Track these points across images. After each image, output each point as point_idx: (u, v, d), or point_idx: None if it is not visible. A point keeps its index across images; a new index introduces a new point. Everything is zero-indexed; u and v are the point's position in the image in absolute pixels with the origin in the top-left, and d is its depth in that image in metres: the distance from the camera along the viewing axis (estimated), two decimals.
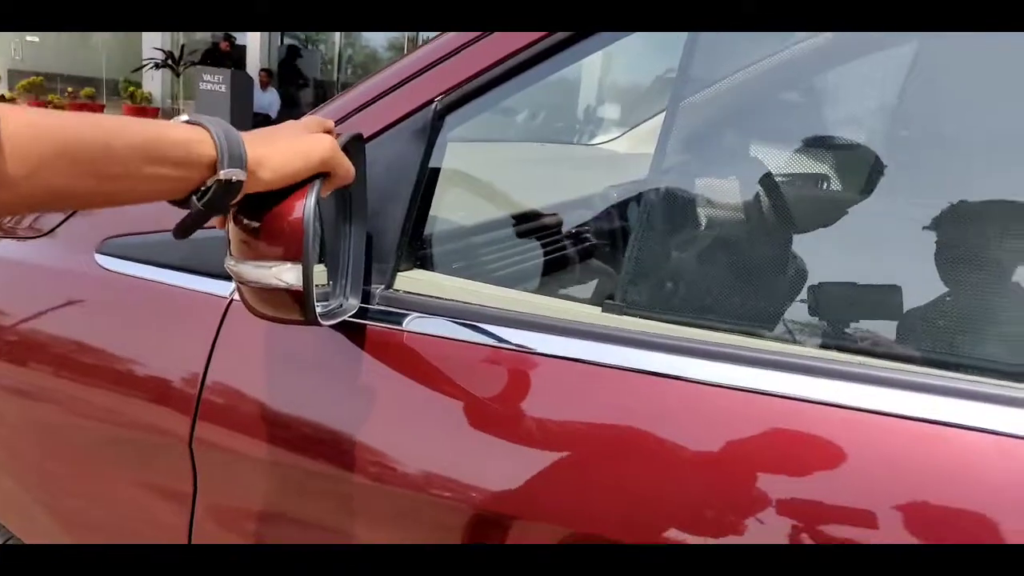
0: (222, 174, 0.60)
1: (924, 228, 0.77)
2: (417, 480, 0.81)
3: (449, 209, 1.02)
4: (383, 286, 0.86)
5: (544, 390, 0.77)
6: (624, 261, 0.80)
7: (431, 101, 0.84)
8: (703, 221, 0.83)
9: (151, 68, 10.92)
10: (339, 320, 0.77)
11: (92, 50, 12.49)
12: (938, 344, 0.73)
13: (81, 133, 0.54)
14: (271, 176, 0.64)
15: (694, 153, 0.84)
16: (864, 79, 1.01)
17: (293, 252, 0.63)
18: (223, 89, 9.39)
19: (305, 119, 0.76)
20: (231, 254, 0.67)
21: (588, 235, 1.31)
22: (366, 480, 0.83)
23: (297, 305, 0.65)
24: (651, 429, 0.72)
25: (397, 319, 0.84)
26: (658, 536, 0.69)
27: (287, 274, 0.63)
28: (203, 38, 11.12)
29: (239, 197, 0.63)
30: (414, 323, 0.84)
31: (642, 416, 0.73)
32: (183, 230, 0.64)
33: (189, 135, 0.60)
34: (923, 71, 0.87)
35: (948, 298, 0.74)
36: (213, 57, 10.48)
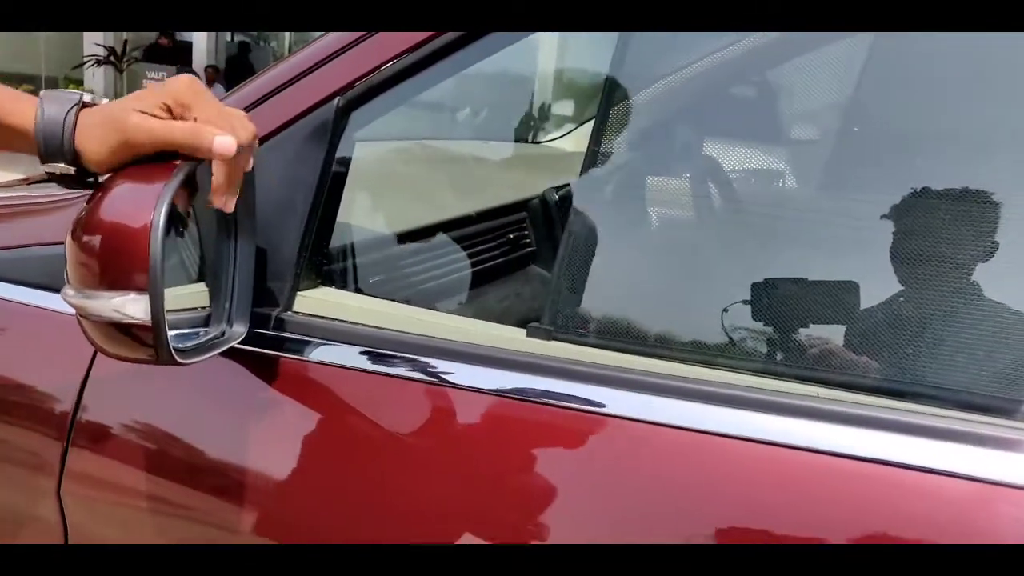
0: (45, 167, 0.58)
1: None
2: (316, 532, 0.70)
3: (361, 217, 0.92)
4: (280, 308, 0.75)
5: (462, 426, 0.68)
6: (552, 280, 0.70)
7: (333, 95, 0.73)
8: (637, 234, 0.73)
9: (92, 65, 10.50)
10: (211, 355, 0.65)
11: (31, 46, 12.00)
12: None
13: None
14: (96, 159, 0.58)
15: (623, 160, 0.75)
16: (811, 75, 0.93)
17: (137, 279, 0.51)
18: None
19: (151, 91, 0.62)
20: (68, 281, 0.55)
21: (528, 241, 1.21)
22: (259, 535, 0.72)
23: (145, 344, 0.53)
24: (579, 469, 0.63)
25: (297, 347, 0.74)
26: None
27: (130, 306, 0.51)
28: (148, 34, 10.76)
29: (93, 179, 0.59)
30: (316, 351, 0.73)
31: (569, 456, 0.63)
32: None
33: (20, 119, 0.59)
34: (874, 68, 0.80)
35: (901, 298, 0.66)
36: (157, 53, 10.14)
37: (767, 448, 0.57)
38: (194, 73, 9.70)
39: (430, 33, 0.69)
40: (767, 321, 0.65)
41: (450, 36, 0.68)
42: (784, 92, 0.92)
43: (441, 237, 1.07)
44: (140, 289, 0.51)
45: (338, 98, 0.73)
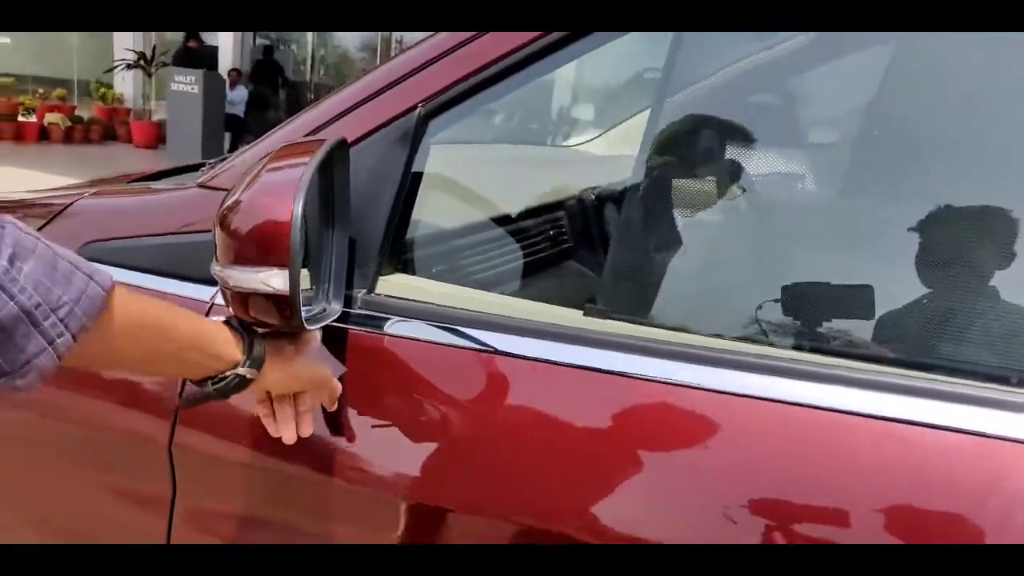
0: (239, 370, 0.71)
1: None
2: (397, 484, 0.81)
3: (430, 213, 1.03)
4: (365, 290, 0.86)
5: (525, 394, 0.78)
6: (606, 265, 0.81)
7: (415, 106, 0.84)
8: (683, 223, 0.84)
9: (123, 69, 10.75)
10: (322, 325, 0.77)
11: (63, 51, 12.28)
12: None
13: (161, 317, 0.67)
14: (272, 383, 0.76)
15: (675, 156, 0.86)
16: (845, 80, 1.03)
17: (280, 258, 0.63)
18: (195, 90, 9.26)
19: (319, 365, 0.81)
20: (217, 259, 0.67)
21: (566, 238, 1.32)
22: (346, 484, 0.83)
23: (283, 310, 0.66)
24: (635, 431, 0.73)
25: (378, 323, 0.85)
26: (647, 534, 0.70)
27: (274, 279, 0.63)
28: (175, 38, 10.99)
29: (242, 391, 0.73)
30: (395, 327, 0.84)
31: (625, 418, 0.74)
32: (187, 402, 0.84)
33: (229, 337, 0.72)
34: (900, 74, 0.89)
35: (924, 301, 0.76)
36: (185, 57, 10.35)
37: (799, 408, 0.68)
38: (220, 76, 9.91)
39: (506, 50, 0.80)
40: (787, 306, 0.75)
41: (526, 51, 0.79)
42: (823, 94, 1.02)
43: (494, 232, 1.19)
44: (282, 265, 0.63)
45: (420, 107, 0.84)
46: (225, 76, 10.13)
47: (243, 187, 0.67)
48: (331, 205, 0.79)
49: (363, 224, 0.86)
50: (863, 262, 0.75)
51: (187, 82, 9.40)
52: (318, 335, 0.79)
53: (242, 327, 0.72)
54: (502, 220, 1.23)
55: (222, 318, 0.74)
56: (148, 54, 10.90)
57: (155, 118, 10.95)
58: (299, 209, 0.64)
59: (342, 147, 0.78)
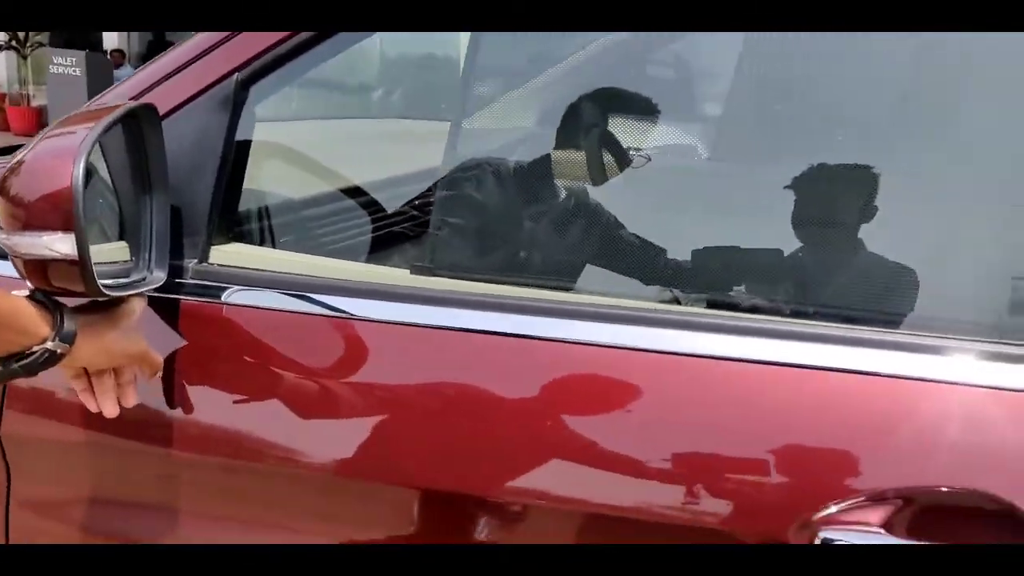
0: (49, 344, 0.69)
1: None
2: (240, 451, 0.82)
3: (272, 183, 1.03)
4: (196, 260, 0.86)
5: (361, 352, 0.80)
6: (430, 225, 0.84)
7: (231, 73, 0.84)
8: (497, 185, 0.87)
9: None
10: (133, 292, 0.76)
11: None
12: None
13: None
14: (85, 357, 0.73)
15: (489, 125, 0.89)
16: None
17: (64, 221, 0.62)
18: (77, 72, 8.76)
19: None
20: (1, 228, 0.66)
21: (409, 205, 1.34)
22: (186, 455, 0.83)
23: (77, 276, 0.65)
24: (466, 383, 0.76)
25: (214, 292, 0.85)
26: (485, 486, 0.73)
27: (59, 243, 0.63)
28: None
29: (51, 366, 0.70)
30: (233, 296, 0.84)
31: (452, 371, 0.77)
32: None
33: (37, 312, 0.69)
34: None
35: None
36: (63, 37, 9.78)
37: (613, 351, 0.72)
38: (105, 57, 9.40)
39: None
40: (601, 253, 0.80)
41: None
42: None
43: (343, 203, 1.20)
44: (67, 229, 0.62)
45: (237, 74, 0.84)
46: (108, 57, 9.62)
47: (25, 151, 0.66)
48: (146, 173, 0.78)
49: (189, 193, 0.85)
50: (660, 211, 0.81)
51: (67, 64, 8.88)
52: (139, 307, 0.78)
53: (49, 301, 0.70)
54: (349, 192, 1.24)
55: (25, 292, 0.71)
56: (21, 34, 10.22)
57: (35, 103, 10.32)
58: (80, 170, 0.63)
59: (150, 113, 0.77)
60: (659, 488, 0.68)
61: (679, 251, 0.80)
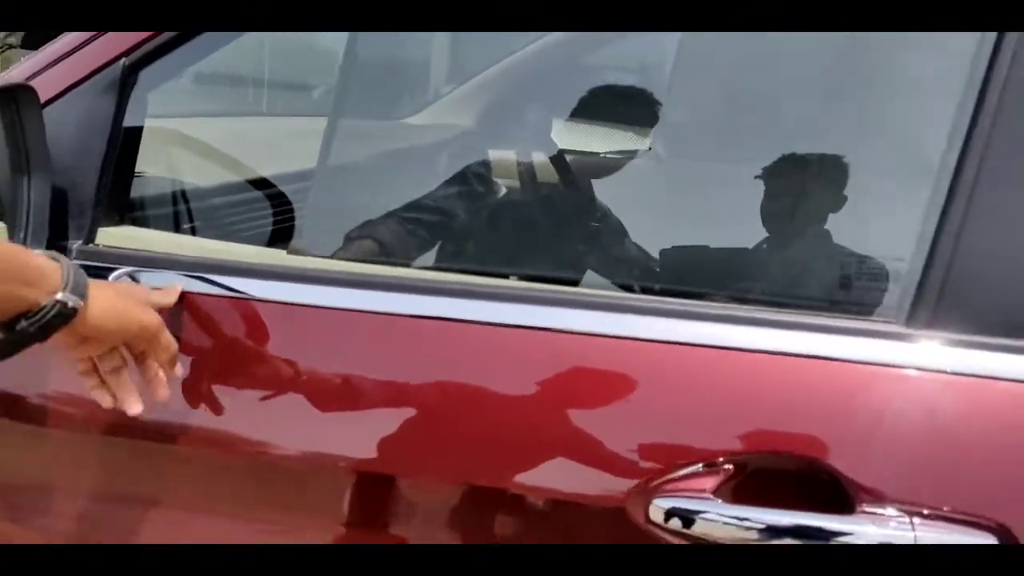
0: (60, 295, 0.62)
1: None
2: (132, 430, 0.83)
3: (170, 169, 1.05)
4: (81, 241, 0.87)
5: (243, 328, 0.82)
6: (307, 210, 0.87)
7: (118, 58, 0.86)
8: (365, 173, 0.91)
9: None
10: None
11: None
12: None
13: None
14: (97, 316, 0.65)
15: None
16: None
17: None
18: None
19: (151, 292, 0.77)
20: None
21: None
22: (67, 433, 0.84)
23: None
24: (335, 360, 0.79)
25: (100, 272, 0.86)
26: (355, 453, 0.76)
27: None
28: None
29: (63, 327, 0.64)
30: (120, 278, 0.86)
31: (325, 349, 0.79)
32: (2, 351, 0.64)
33: (44, 263, 0.63)
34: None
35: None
36: (37, 39, 9.54)
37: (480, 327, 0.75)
38: None
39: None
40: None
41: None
42: None
43: (233, 191, 1.22)
44: None
45: (124, 59, 0.86)
46: None
47: None
48: (24, 154, 0.79)
49: (75, 175, 0.87)
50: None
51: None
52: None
53: (50, 252, 0.65)
54: (249, 182, 1.26)
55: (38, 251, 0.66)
56: None
57: None
58: None
59: (28, 94, 0.79)
60: (506, 458, 0.72)
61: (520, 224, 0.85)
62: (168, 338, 0.72)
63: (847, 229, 0.81)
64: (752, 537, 0.66)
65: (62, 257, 0.65)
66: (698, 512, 0.67)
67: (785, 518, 0.65)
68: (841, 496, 0.66)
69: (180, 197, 1.10)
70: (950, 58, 0.71)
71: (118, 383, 0.70)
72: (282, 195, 1.30)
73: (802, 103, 0.96)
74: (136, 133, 0.90)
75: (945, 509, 0.64)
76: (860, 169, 0.83)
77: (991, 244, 0.67)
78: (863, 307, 0.79)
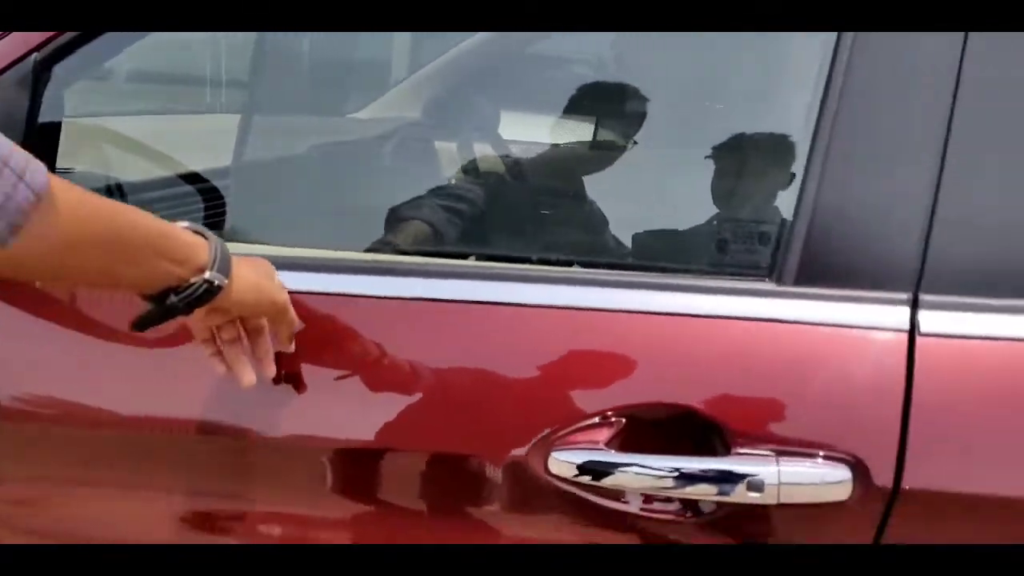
0: (207, 274, 0.65)
1: None
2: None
3: (95, 165, 1.07)
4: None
5: None
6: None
7: (29, 53, 0.88)
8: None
9: None
10: None
11: None
12: None
13: (115, 219, 0.60)
14: (238, 292, 0.68)
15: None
16: None
17: None
18: None
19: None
20: None
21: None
22: None
23: None
24: None
25: None
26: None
27: None
28: None
29: (208, 303, 0.66)
30: None
31: None
32: (144, 323, 0.68)
33: (194, 239, 0.66)
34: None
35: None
36: None
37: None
38: None
39: None
40: None
41: None
42: None
43: (165, 186, 1.25)
44: None
45: (35, 55, 0.88)
46: None
47: None
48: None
49: None
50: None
51: None
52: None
53: (196, 228, 0.67)
54: (179, 175, 1.29)
55: (183, 223, 0.67)
56: None
57: None
58: None
59: None
60: (404, 419, 0.77)
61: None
62: (293, 315, 0.74)
63: (726, 200, 0.88)
64: (642, 482, 0.72)
65: (209, 233, 0.68)
66: (591, 461, 0.73)
67: (669, 462, 0.72)
68: (718, 440, 0.73)
69: (105, 193, 1.12)
70: (807, 57, 0.78)
71: (235, 354, 0.73)
72: (212, 190, 1.33)
73: (694, 97, 1.04)
74: (55, 128, 0.92)
75: (805, 446, 0.71)
76: (738, 151, 0.91)
77: (842, 210, 0.74)
78: (739, 268, 0.86)
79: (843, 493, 0.69)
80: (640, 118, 1.16)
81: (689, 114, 1.06)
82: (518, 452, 0.75)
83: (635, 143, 1.12)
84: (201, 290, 0.64)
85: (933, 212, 0.73)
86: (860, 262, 0.75)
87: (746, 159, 0.93)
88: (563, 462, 0.73)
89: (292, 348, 0.76)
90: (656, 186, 1.05)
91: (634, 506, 0.74)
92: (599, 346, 0.77)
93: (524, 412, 0.76)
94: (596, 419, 0.74)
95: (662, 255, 0.88)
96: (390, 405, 0.76)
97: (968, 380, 0.71)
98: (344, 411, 0.78)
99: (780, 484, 0.69)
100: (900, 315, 0.72)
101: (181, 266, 0.64)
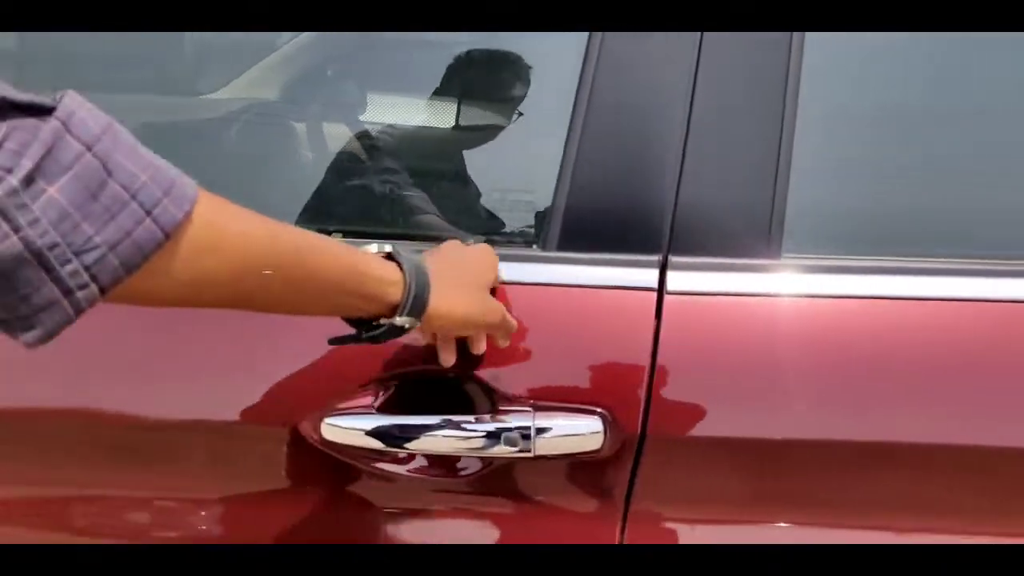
0: (397, 320, 0.61)
1: None
2: None
3: None
4: None
5: None
6: None
7: None
8: None
9: None
10: None
11: None
12: None
13: (300, 251, 0.55)
14: (439, 328, 0.66)
15: None
16: None
17: None
18: None
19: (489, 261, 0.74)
20: None
21: None
22: None
23: None
24: None
25: None
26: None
27: None
28: None
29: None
30: None
31: None
32: (338, 341, 0.65)
33: (386, 275, 0.61)
34: None
35: None
36: None
37: None
38: None
39: None
40: None
41: None
42: None
43: None
44: None
45: None
46: None
47: None
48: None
49: None
50: None
51: None
52: (494, 258, 0.74)
53: (398, 255, 0.63)
54: None
55: (386, 247, 0.63)
56: None
57: None
58: None
59: None
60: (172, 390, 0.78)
61: None
62: (509, 323, 0.72)
63: (502, 175, 0.93)
64: (410, 441, 0.75)
65: (406, 260, 0.62)
66: (363, 427, 0.75)
67: (434, 420, 0.75)
68: (486, 401, 0.76)
69: None
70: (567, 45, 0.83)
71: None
72: None
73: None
74: None
75: (562, 402, 0.75)
76: (505, 132, 0.98)
77: (598, 182, 0.80)
78: (508, 236, 0.91)
79: (596, 443, 0.74)
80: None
81: (481, 97, 1.10)
82: (291, 419, 0.76)
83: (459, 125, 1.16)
84: (390, 332, 0.62)
85: (679, 183, 0.78)
86: (616, 229, 0.79)
87: (515, 138, 0.98)
88: (335, 427, 0.75)
89: (505, 344, 0.74)
90: (450, 163, 1.08)
91: (403, 468, 0.77)
92: None
93: (298, 380, 0.77)
94: (370, 386, 0.77)
95: (444, 227, 0.91)
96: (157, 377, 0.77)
97: (709, 333, 0.77)
98: (109, 385, 0.79)
99: (535, 438, 0.73)
100: (650, 276, 0.78)
101: (370, 303, 0.60)
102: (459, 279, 0.67)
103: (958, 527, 0.78)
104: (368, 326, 0.62)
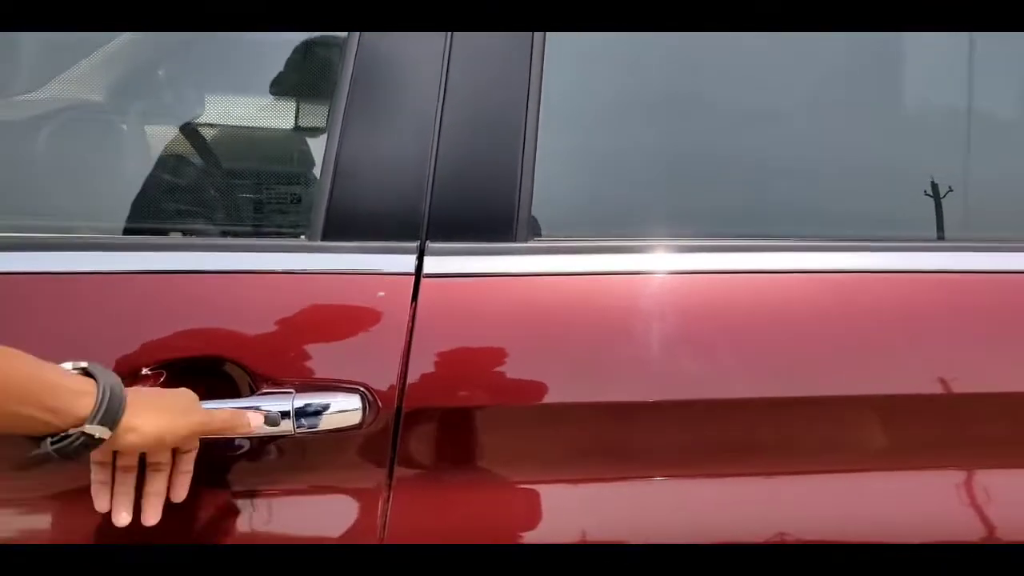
0: (86, 427, 0.61)
1: None
2: None
3: None
4: None
5: None
6: None
7: None
8: None
9: None
10: None
11: None
12: None
13: None
14: (129, 439, 0.65)
15: None
16: None
17: None
18: None
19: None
20: None
21: None
22: None
23: None
24: None
25: None
26: None
27: None
28: None
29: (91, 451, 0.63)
30: None
31: None
32: (32, 461, 0.62)
33: (77, 386, 0.61)
34: None
35: None
36: None
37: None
38: None
39: None
40: None
41: None
42: None
43: None
44: None
45: None
46: None
47: None
48: None
49: None
50: None
51: None
52: None
53: (95, 369, 0.64)
54: None
55: (82, 364, 0.64)
56: None
57: None
58: None
59: None
60: None
61: None
62: (235, 421, 0.74)
63: (271, 170, 0.98)
64: None
65: (101, 374, 0.64)
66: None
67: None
68: (248, 385, 0.80)
69: None
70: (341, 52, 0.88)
71: (123, 485, 0.70)
72: None
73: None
74: None
75: (323, 382, 0.80)
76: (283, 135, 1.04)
77: (360, 176, 0.85)
78: (280, 227, 0.96)
79: (355, 419, 0.79)
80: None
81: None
82: None
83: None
84: (78, 442, 0.61)
85: (434, 175, 0.85)
86: (377, 219, 0.85)
87: (287, 139, 1.04)
88: None
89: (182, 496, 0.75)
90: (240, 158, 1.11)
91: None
92: (141, 305, 0.82)
93: None
94: (127, 375, 0.79)
95: (221, 219, 0.95)
96: None
97: (461, 312, 0.84)
98: None
99: (294, 417, 0.78)
100: (408, 262, 0.83)
101: (55, 415, 0.60)
102: (156, 402, 0.70)
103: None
104: (53, 439, 0.61)
